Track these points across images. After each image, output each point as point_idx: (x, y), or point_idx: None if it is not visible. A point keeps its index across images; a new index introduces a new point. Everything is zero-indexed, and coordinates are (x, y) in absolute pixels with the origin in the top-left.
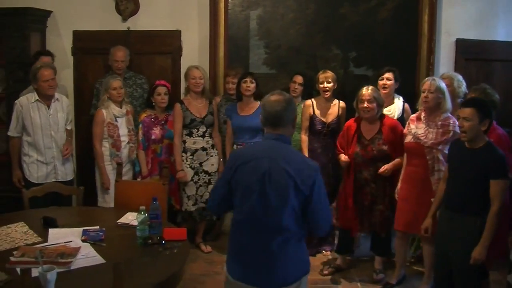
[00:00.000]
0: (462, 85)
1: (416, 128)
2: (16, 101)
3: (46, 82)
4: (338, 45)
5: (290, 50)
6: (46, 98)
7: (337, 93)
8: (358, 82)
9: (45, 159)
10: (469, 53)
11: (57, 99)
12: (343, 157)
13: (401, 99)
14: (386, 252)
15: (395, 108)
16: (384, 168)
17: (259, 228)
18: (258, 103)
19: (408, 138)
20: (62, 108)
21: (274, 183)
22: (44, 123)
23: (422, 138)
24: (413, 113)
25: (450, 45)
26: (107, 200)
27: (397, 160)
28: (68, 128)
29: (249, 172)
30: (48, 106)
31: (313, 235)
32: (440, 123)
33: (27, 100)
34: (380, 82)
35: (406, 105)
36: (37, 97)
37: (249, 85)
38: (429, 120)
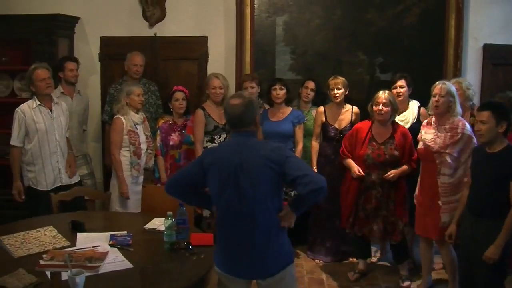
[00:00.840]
0: (471, 88)
1: (425, 134)
2: (17, 109)
3: (42, 81)
4: (364, 51)
5: (316, 56)
6: (47, 101)
7: (363, 99)
8: (383, 87)
9: (51, 164)
10: (497, 58)
11: (56, 102)
12: (356, 169)
13: (417, 103)
14: (404, 258)
15: (410, 114)
16: (391, 173)
17: (239, 220)
18: (289, 109)
19: (420, 144)
20: (63, 112)
21: (247, 173)
22: (49, 127)
23: (430, 143)
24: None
25: (477, 50)
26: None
27: (404, 167)
28: (67, 135)
29: (221, 168)
30: (50, 110)
31: (309, 200)
32: (448, 126)
33: (28, 107)
34: (394, 91)
35: (423, 109)
36: (38, 102)
37: (279, 92)
38: (439, 125)
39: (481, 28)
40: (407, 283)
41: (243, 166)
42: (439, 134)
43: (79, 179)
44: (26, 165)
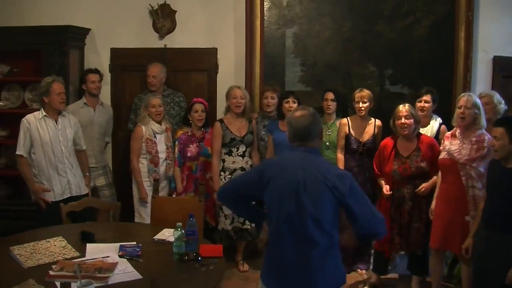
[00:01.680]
0: (501, 102)
1: (450, 145)
2: (23, 119)
3: (58, 95)
4: (374, 63)
5: (326, 67)
6: (54, 113)
7: (373, 111)
8: (394, 100)
9: (58, 176)
10: (507, 71)
11: (63, 115)
12: (386, 189)
13: (438, 120)
14: (423, 271)
15: (429, 129)
16: (422, 187)
17: (297, 238)
18: None
19: (442, 155)
20: (70, 124)
21: (310, 193)
22: (54, 138)
23: (456, 154)
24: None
25: (487, 62)
26: (143, 216)
27: (434, 178)
28: (84, 147)
29: (283, 182)
30: (56, 121)
31: (366, 238)
32: (474, 139)
33: (35, 117)
34: (418, 104)
35: (443, 127)
36: (44, 113)
37: (292, 105)
38: (464, 137)
39: (491, 40)
40: None
41: (306, 185)
42: (464, 145)
43: (88, 191)
44: (34, 176)
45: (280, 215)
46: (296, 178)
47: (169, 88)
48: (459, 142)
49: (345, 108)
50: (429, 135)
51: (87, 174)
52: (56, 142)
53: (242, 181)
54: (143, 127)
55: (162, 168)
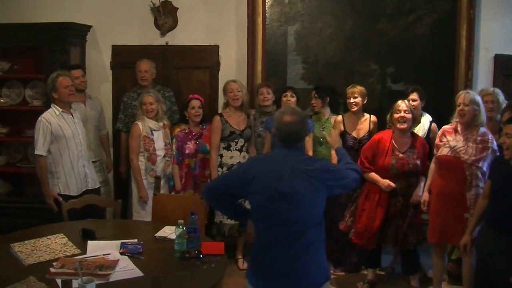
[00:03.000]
0: (504, 101)
1: (454, 141)
2: (40, 118)
3: (66, 88)
4: (376, 61)
5: (327, 65)
6: (67, 108)
7: (374, 109)
8: (395, 97)
9: (79, 169)
10: (508, 69)
11: (74, 109)
12: (387, 183)
13: (428, 117)
14: (415, 270)
15: (421, 128)
16: (416, 197)
17: (283, 233)
18: None
19: (445, 151)
20: (79, 118)
21: (297, 187)
22: (75, 132)
23: (462, 153)
24: (441, 122)
25: (488, 60)
26: (142, 214)
27: (424, 180)
28: (106, 130)
29: (270, 179)
30: (72, 116)
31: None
32: (479, 138)
33: (51, 115)
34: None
35: (434, 125)
36: (60, 109)
37: (290, 99)
38: (466, 134)
39: (493, 39)
40: None
41: (293, 180)
42: (469, 144)
43: (99, 185)
44: (56, 173)
45: (265, 210)
46: (282, 173)
47: (158, 84)
48: (462, 139)
49: (337, 104)
50: (420, 133)
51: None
52: (76, 136)
53: (226, 181)
54: (140, 124)
55: (160, 166)
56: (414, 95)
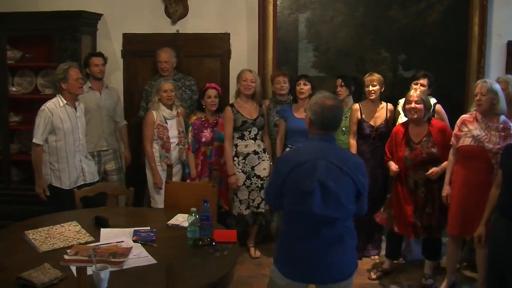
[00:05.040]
0: None
1: (476, 130)
2: (43, 107)
3: (76, 80)
4: (387, 48)
5: (338, 53)
6: (72, 100)
7: (386, 96)
8: (406, 85)
9: (75, 163)
10: None
11: (79, 102)
12: (393, 166)
13: (433, 100)
14: (437, 256)
15: None
16: (432, 170)
17: (319, 224)
18: None
19: (467, 141)
20: (82, 112)
21: (332, 181)
22: (74, 126)
23: (486, 142)
24: (453, 110)
25: (501, 47)
26: (158, 201)
27: (445, 163)
28: (125, 122)
29: (306, 172)
30: (75, 109)
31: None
32: (502, 126)
33: (55, 106)
34: (414, 87)
35: (438, 106)
36: (65, 101)
37: (303, 87)
38: (488, 122)
39: (505, 25)
40: (430, 281)
41: (328, 173)
42: (492, 133)
43: (99, 178)
44: (50, 163)
45: (301, 203)
46: (319, 168)
47: (179, 73)
48: (483, 128)
49: (360, 93)
50: None
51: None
52: (75, 130)
53: (275, 182)
54: (154, 113)
55: (174, 153)
56: (424, 81)
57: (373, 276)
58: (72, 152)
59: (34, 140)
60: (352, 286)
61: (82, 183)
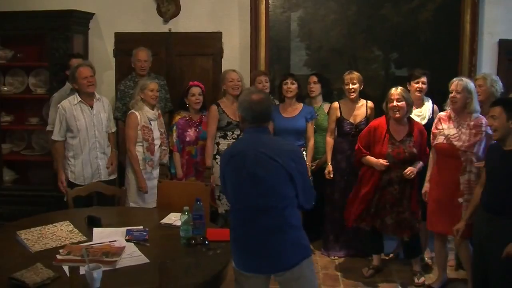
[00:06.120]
0: (495, 85)
1: (448, 129)
2: (59, 105)
3: (85, 79)
4: (379, 46)
5: (331, 51)
6: (88, 98)
7: (378, 95)
8: (399, 83)
9: (90, 160)
10: None
11: (98, 99)
12: (382, 161)
13: (430, 100)
14: (416, 253)
15: (426, 109)
16: (409, 170)
17: (256, 215)
18: (301, 105)
19: (440, 139)
20: (104, 108)
21: (264, 170)
22: (89, 123)
23: (455, 141)
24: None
25: (492, 45)
26: (140, 204)
27: (421, 164)
28: (113, 130)
29: (237, 164)
30: (91, 107)
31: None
32: (472, 123)
33: (70, 103)
34: (416, 85)
35: (435, 106)
36: (79, 99)
37: (290, 86)
38: (460, 120)
39: (497, 24)
40: (422, 279)
41: (258, 159)
42: (463, 130)
43: (116, 176)
44: (67, 159)
45: (237, 195)
46: (248, 155)
47: (152, 72)
48: (456, 126)
49: (330, 92)
50: (427, 114)
51: (114, 150)
52: (90, 127)
53: (220, 178)
54: (138, 114)
55: (157, 155)
56: (424, 79)
57: (366, 274)
58: (88, 150)
59: (52, 137)
60: (312, 276)
61: (98, 180)
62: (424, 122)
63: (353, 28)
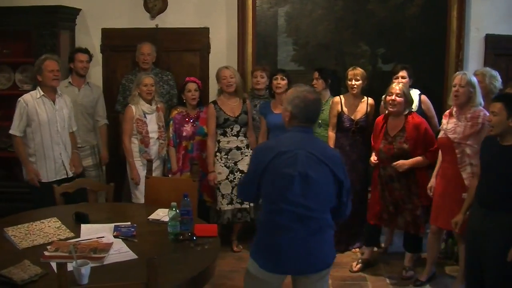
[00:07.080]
0: (495, 81)
1: (447, 124)
2: (19, 99)
3: (51, 72)
4: (367, 42)
5: (318, 46)
6: (50, 93)
7: (365, 90)
8: (386, 78)
9: (53, 156)
10: (499, 49)
11: (60, 94)
12: (372, 157)
13: (417, 92)
14: (417, 248)
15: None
16: (397, 162)
17: (299, 215)
18: None
19: (441, 134)
20: (66, 104)
21: (314, 171)
22: (51, 118)
23: (450, 133)
24: (432, 103)
25: (479, 40)
26: (138, 196)
27: (417, 158)
28: (74, 129)
29: (288, 161)
30: (53, 101)
31: (335, 219)
32: (469, 115)
33: (32, 97)
34: (395, 81)
35: (423, 96)
36: (42, 93)
37: (280, 82)
38: (460, 114)
39: (483, 19)
40: (410, 273)
41: (308, 165)
42: (459, 123)
43: (79, 172)
44: (28, 156)
45: (283, 193)
46: (298, 158)
47: (157, 67)
48: (455, 120)
49: (338, 87)
50: (413, 106)
51: (75, 151)
52: (53, 122)
53: (253, 171)
54: (133, 107)
55: (154, 148)
56: (403, 73)
57: (355, 269)
58: (50, 145)
59: (10, 131)
60: (328, 277)
61: (64, 177)
62: None
63: (340, 23)
